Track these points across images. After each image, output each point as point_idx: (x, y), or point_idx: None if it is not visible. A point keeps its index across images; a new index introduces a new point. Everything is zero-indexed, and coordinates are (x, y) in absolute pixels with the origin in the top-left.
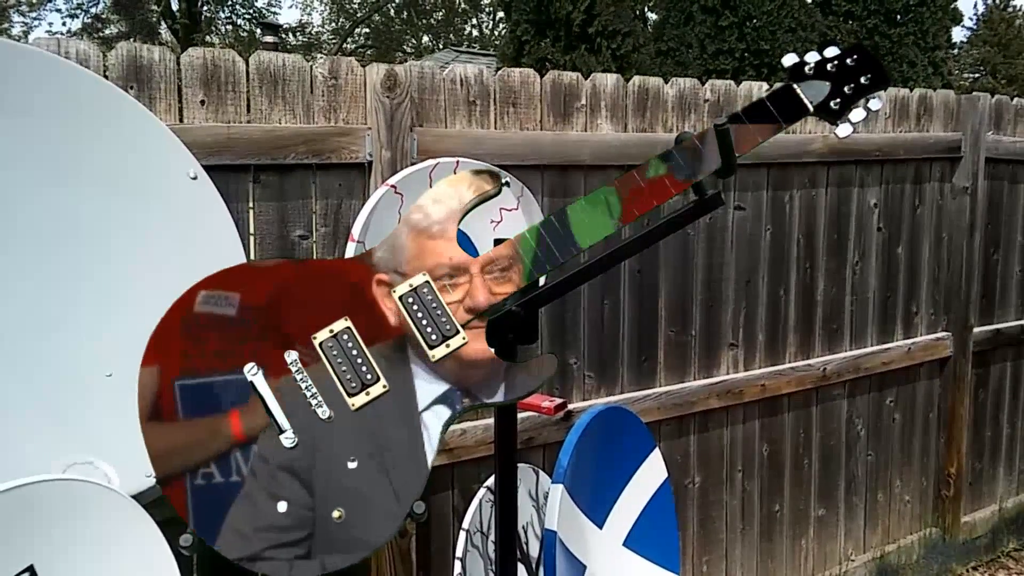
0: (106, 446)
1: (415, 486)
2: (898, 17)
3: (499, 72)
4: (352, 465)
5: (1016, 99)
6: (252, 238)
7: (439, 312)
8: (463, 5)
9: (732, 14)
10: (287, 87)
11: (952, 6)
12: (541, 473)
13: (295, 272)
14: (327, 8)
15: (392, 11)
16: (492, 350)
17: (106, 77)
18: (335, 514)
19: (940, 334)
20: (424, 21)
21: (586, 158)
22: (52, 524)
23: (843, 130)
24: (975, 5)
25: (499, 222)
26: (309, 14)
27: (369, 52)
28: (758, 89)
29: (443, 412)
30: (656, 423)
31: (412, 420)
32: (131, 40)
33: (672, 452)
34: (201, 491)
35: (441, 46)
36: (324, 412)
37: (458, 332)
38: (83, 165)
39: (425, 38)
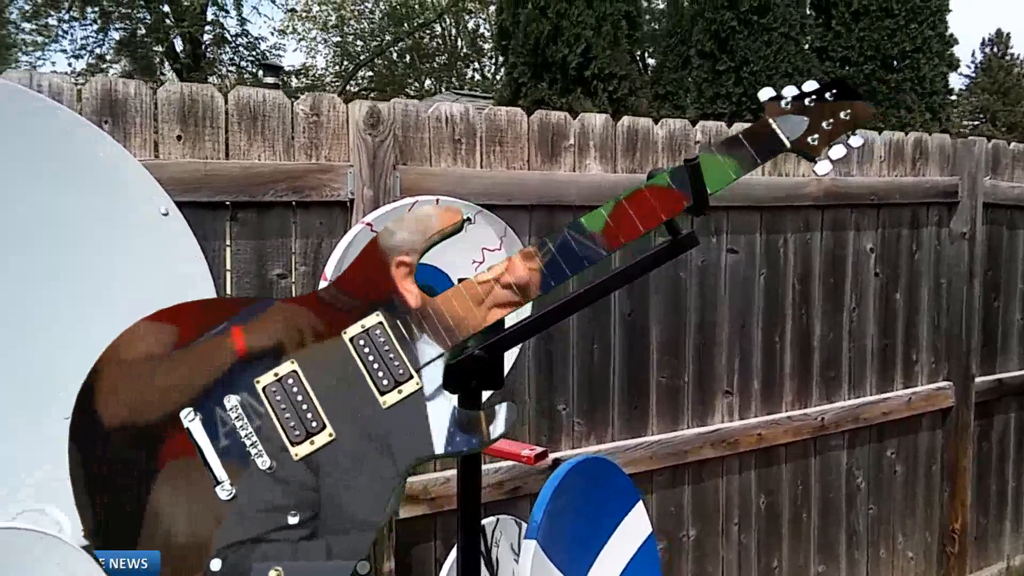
0: (60, 492)
1: (362, 544)
2: (895, 63)
3: (485, 111)
4: (293, 520)
5: (1013, 144)
6: (229, 276)
7: (391, 355)
8: (464, 49)
9: (729, 59)
10: (267, 123)
11: (949, 52)
12: (524, 525)
13: (242, 309)
14: (331, 51)
15: (395, 55)
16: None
17: (80, 111)
18: (272, 574)
19: (941, 383)
20: (427, 65)
21: (574, 198)
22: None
23: (822, 167)
24: (973, 53)
25: (481, 262)
26: (313, 57)
27: (372, 95)
28: None
29: (396, 464)
30: (648, 473)
31: (360, 472)
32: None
33: (666, 503)
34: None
35: (443, 89)
36: (264, 462)
37: (412, 376)
38: (44, 201)
39: (428, 82)
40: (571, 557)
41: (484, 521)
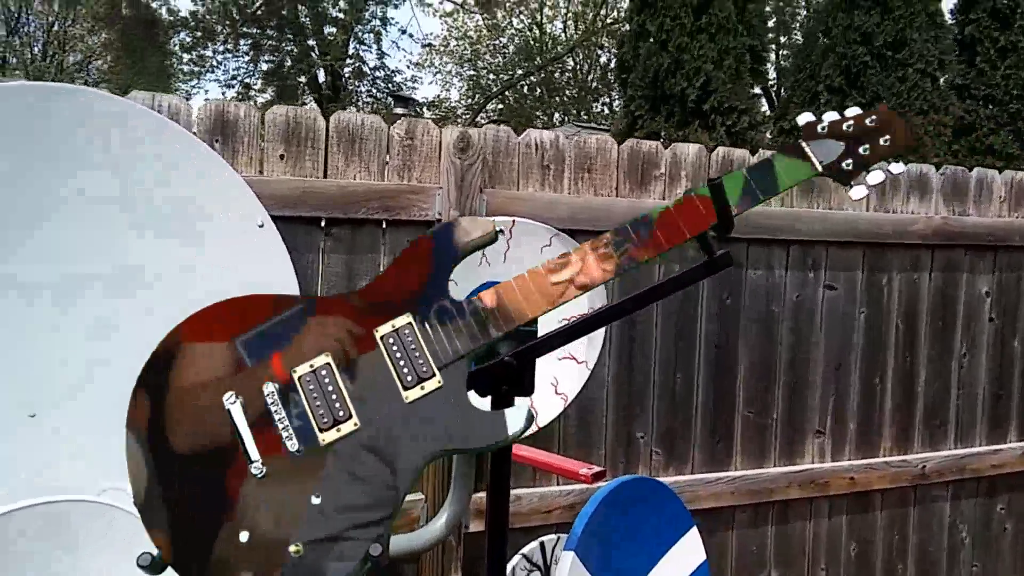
0: None
1: (377, 527)
2: None
3: (575, 138)
4: (316, 501)
5: None
6: (320, 289)
7: (417, 353)
8: (595, 83)
9: (859, 94)
10: (363, 145)
11: None
12: None
13: (287, 307)
14: (464, 84)
15: (526, 88)
16: (470, 394)
17: (193, 132)
18: (292, 548)
19: None
20: (556, 98)
21: None
22: (79, 541)
23: (856, 192)
24: None
25: None
26: (448, 90)
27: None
28: None
29: (413, 457)
30: (730, 509)
31: (379, 462)
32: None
33: (747, 542)
34: (178, 517)
35: (568, 122)
36: (293, 445)
37: (434, 375)
38: (155, 206)
39: (556, 115)
40: (616, 575)
41: (545, 538)
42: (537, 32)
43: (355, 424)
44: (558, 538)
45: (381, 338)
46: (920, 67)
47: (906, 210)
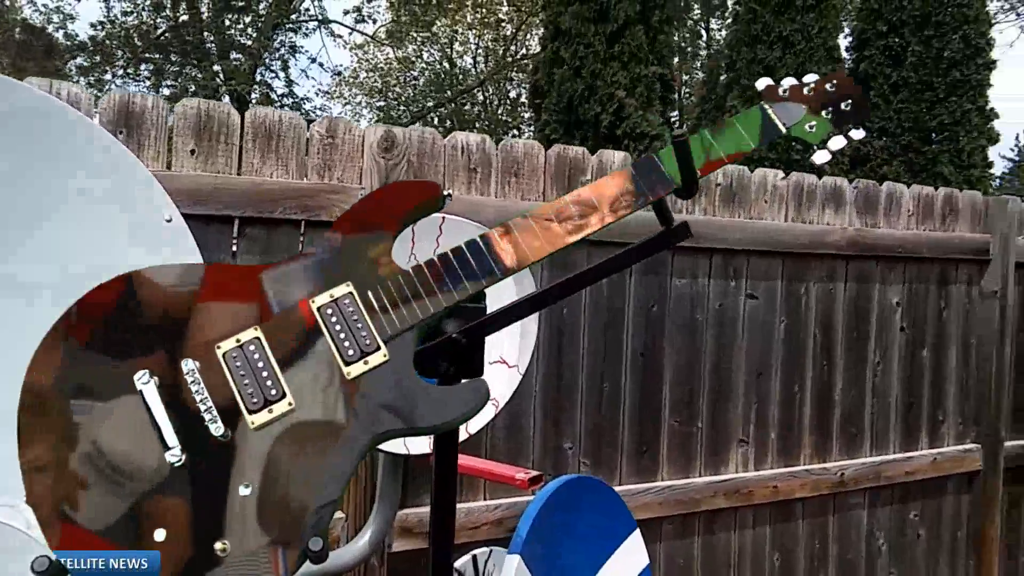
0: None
1: (314, 520)
2: (933, 135)
3: (502, 142)
4: (244, 492)
5: None
6: None
7: (360, 326)
8: (505, 117)
9: None
10: (281, 143)
11: (989, 126)
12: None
13: (209, 277)
14: (375, 116)
15: (436, 120)
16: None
17: (99, 121)
18: (218, 546)
19: (969, 445)
20: (467, 131)
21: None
22: None
23: (820, 156)
24: (1017, 137)
25: None
26: (357, 120)
27: (427, 128)
28: (773, 176)
29: (358, 438)
30: (657, 520)
31: (319, 444)
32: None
33: (674, 554)
34: (72, 515)
35: None
36: (218, 429)
37: (379, 348)
38: (52, 192)
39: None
40: None
41: (477, 552)
42: (448, 66)
43: (289, 404)
44: (490, 551)
45: (318, 309)
46: None
47: (822, 221)
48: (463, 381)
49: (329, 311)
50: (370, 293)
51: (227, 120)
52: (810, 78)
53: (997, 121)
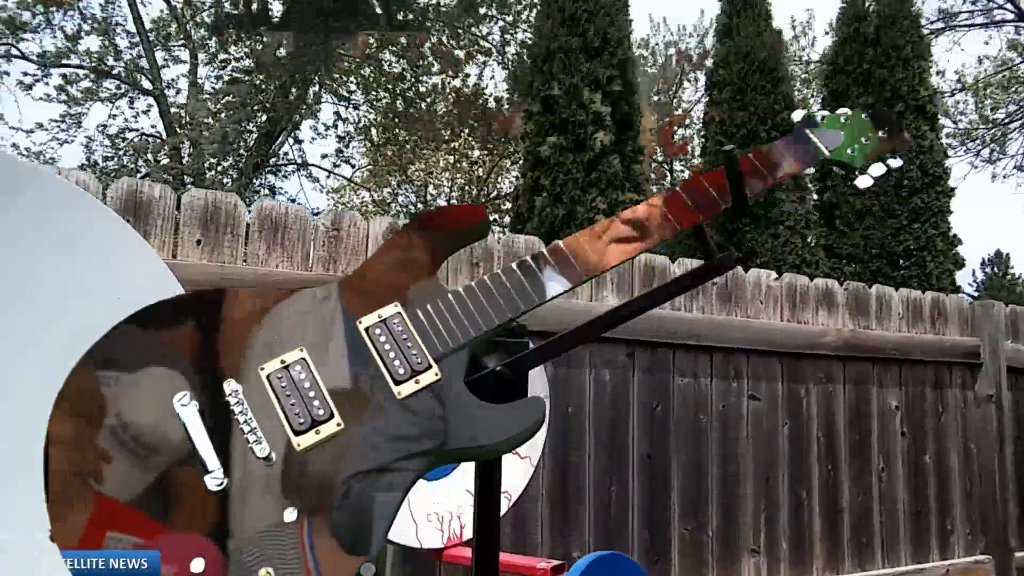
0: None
1: (365, 545)
2: (901, 261)
3: (505, 237)
4: (290, 516)
5: None
6: None
7: (409, 344)
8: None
9: (737, 249)
10: (287, 234)
11: (953, 251)
12: None
13: (252, 302)
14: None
15: None
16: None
17: None
18: (262, 572)
19: (980, 556)
20: None
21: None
22: None
23: (863, 182)
24: (973, 272)
25: None
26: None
27: None
28: (766, 276)
29: (411, 458)
30: None
31: (369, 466)
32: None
33: None
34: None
35: None
36: (263, 450)
37: (430, 367)
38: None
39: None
40: None
41: None
42: (422, 206)
43: (338, 424)
44: None
45: (366, 329)
46: (790, 225)
47: (816, 322)
48: (520, 400)
49: (378, 331)
50: (419, 312)
51: (234, 211)
52: (843, 110)
53: (962, 247)
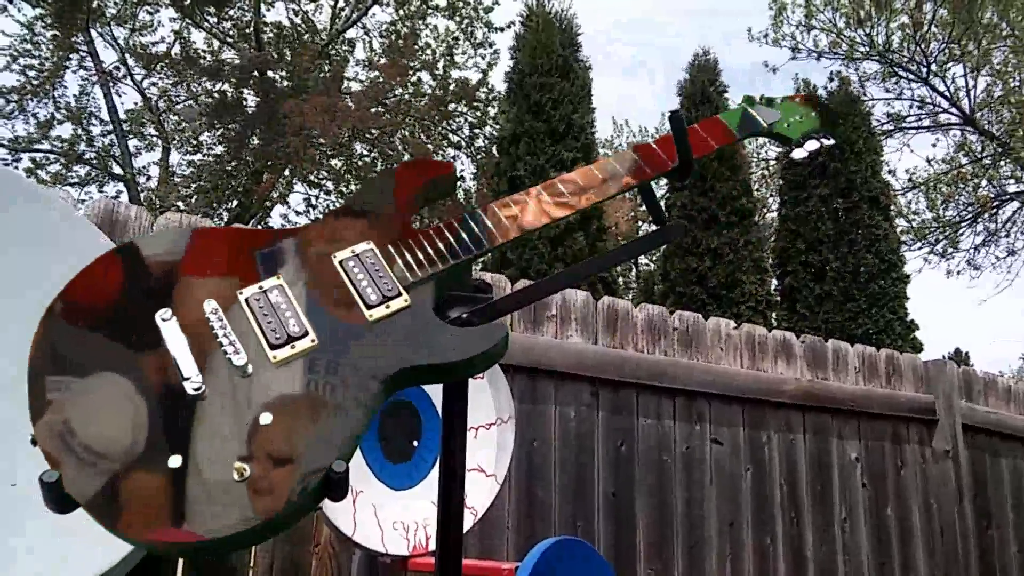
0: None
1: (340, 444)
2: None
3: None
4: (266, 420)
5: (983, 371)
6: None
7: (381, 275)
8: None
9: None
10: None
11: (912, 336)
12: None
13: (227, 236)
14: None
15: None
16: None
17: None
18: (237, 465)
19: None
20: None
21: (557, 363)
22: None
23: (797, 154)
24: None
25: None
26: None
27: None
28: (725, 324)
29: (381, 370)
30: None
31: (341, 378)
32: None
33: None
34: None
35: None
36: (240, 359)
37: (400, 294)
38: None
39: None
40: None
41: None
42: None
43: (312, 341)
44: None
45: (340, 262)
46: (752, 305)
47: (775, 371)
48: (483, 325)
49: (351, 263)
50: (391, 248)
51: None
52: (780, 95)
53: (919, 332)
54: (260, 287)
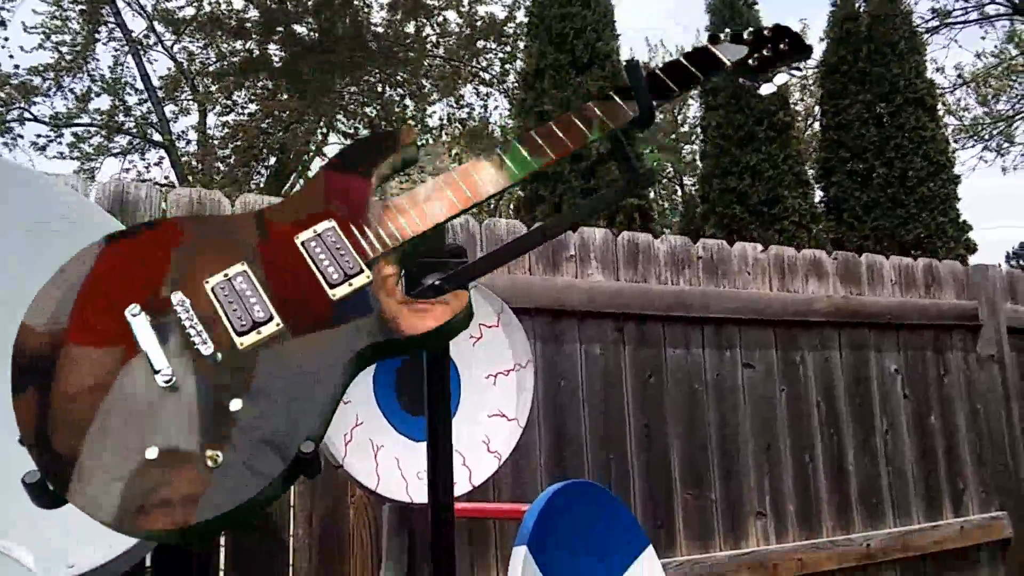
0: (27, 532)
1: (308, 424)
2: (912, 250)
3: (485, 222)
4: (235, 406)
5: None
6: None
7: (343, 253)
8: None
9: None
10: None
11: (965, 237)
12: None
13: (193, 226)
14: None
15: None
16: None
17: None
18: (209, 453)
19: (995, 513)
20: None
21: (576, 303)
22: None
23: (765, 89)
24: (999, 267)
25: (479, 338)
26: None
27: None
28: (752, 248)
29: (348, 347)
30: None
31: (307, 360)
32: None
33: None
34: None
35: None
36: (207, 349)
37: (362, 271)
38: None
39: None
40: None
41: None
42: None
43: (277, 325)
44: None
45: (303, 243)
46: (795, 220)
47: (806, 291)
48: (448, 294)
49: (313, 243)
50: (352, 226)
51: (217, 207)
52: (749, 30)
53: (972, 232)
54: (225, 275)
